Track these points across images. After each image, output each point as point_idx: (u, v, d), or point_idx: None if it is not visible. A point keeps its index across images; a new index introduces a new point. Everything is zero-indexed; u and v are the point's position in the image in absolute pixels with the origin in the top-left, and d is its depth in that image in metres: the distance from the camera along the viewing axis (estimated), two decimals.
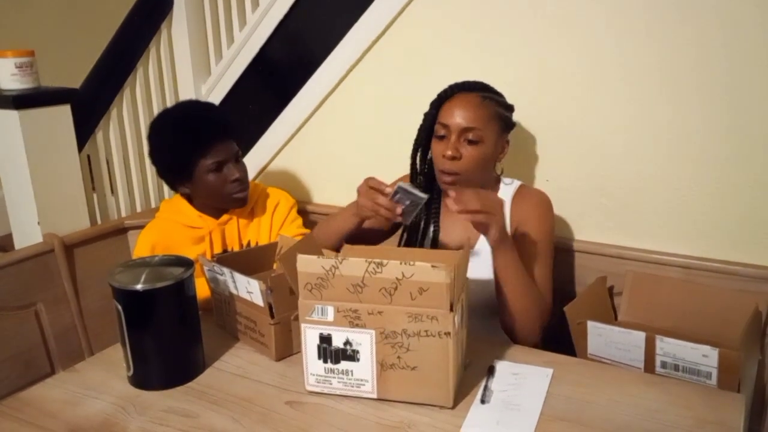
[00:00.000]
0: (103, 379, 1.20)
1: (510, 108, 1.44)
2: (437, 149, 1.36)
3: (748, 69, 1.37)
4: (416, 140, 1.43)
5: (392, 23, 1.75)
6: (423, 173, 1.43)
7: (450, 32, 1.68)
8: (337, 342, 1.08)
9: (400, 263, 1.02)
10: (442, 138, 1.36)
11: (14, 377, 1.61)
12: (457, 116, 1.34)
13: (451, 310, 1.02)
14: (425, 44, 1.72)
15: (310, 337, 1.09)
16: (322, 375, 1.11)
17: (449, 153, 1.32)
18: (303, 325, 1.09)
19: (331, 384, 1.11)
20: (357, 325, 1.06)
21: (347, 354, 1.08)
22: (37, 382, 1.21)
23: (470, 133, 1.33)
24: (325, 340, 1.08)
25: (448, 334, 1.03)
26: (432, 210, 1.45)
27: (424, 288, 1.01)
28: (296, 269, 1.06)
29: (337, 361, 1.09)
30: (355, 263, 1.04)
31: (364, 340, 1.07)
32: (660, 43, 1.44)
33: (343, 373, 1.09)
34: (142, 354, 1.16)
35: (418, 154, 1.43)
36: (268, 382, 1.17)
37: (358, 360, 1.08)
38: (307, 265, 1.06)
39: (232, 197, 1.57)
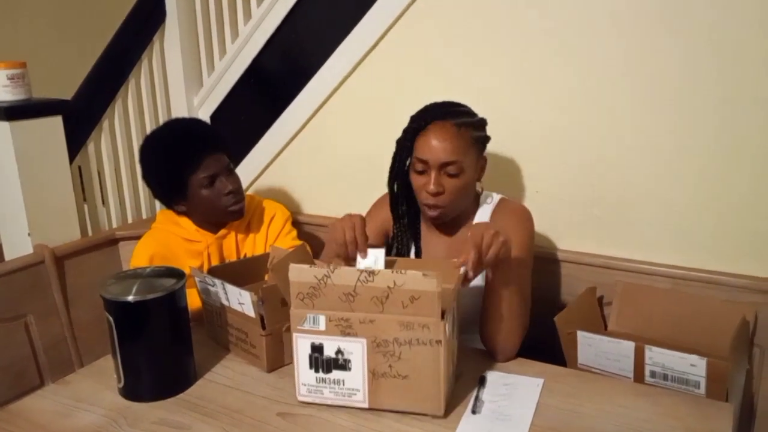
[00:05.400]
0: (93, 390, 1.20)
1: (483, 125, 1.39)
2: (418, 182, 1.33)
3: (739, 85, 1.39)
4: (392, 168, 1.38)
5: (383, 37, 1.76)
6: (404, 196, 1.41)
7: (440, 45, 1.69)
8: (329, 351, 1.08)
9: (392, 272, 1.03)
10: (421, 172, 1.32)
11: (4, 389, 1.59)
12: (436, 151, 1.29)
13: (442, 318, 1.03)
14: (415, 57, 1.73)
15: (301, 347, 1.09)
16: (314, 385, 1.11)
17: (432, 189, 1.29)
18: (295, 335, 1.09)
19: (322, 394, 1.11)
20: (349, 334, 1.06)
21: (339, 363, 1.08)
22: (27, 394, 1.21)
23: (451, 167, 1.29)
24: (317, 349, 1.09)
25: (439, 342, 1.03)
26: (413, 230, 1.44)
27: (416, 296, 1.02)
28: (288, 279, 1.07)
29: (328, 371, 1.09)
30: (347, 272, 1.04)
31: (355, 349, 1.07)
32: (650, 56, 1.46)
33: (334, 383, 1.10)
34: (133, 365, 1.15)
35: (396, 182, 1.40)
36: (259, 393, 1.17)
37: (349, 369, 1.08)
38: (299, 274, 1.06)
39: (227, 210, 1.56)
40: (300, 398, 1.13)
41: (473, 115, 1.38)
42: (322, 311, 1.07)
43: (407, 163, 1.35)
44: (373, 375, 1.08)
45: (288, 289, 1.09)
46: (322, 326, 1.07)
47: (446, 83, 1.71)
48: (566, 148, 1.60)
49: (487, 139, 1.39)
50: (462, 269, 1.12)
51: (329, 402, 1.11)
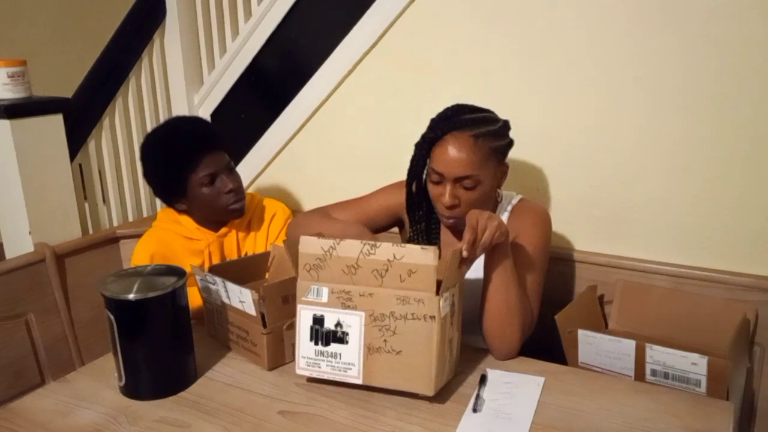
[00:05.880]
0: (94, 389, 1.20)
1: (505, 132, 1.35)
2: (434, 191, 1.32)
3: (736, 83, 1.39)
4: (409, 172, 1.37)
5: (384, 34, 1.76)
6: (422, 200, 1.39)
7: (441, 43, 1.69)
8: (329, 323, 1.11)
9: (392, 245, 1.05)
10: (437, 183, 1.30)
11: (4, 387, 1.60)
12: (451, 165, 1.26)
13: (438, 293, 1.04)
14: (417, 56, 1.73)
15: (304, 318, 1.13)
16: (312, 358, 1.13)
17: (447, 201, 1.28)
18: (299, 306, 1.13)
19: (319, 367, 1.13)
20: (348, 307, 1.09)
21: (337, 336, 1.11)
22: (27, 393, 1.21)
23: (466, 181, 1.27)
24: (318, 321, 1.12)
25: (433, 317, 1.05)
26: (432, 235, 1.43)
27: (413, 270, 1.05)
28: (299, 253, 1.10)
29: (327, 343, 1.12)
30: (351, 244, 1.08)
31: (354, 322, 1.10)
32: (648, 57, 1.46)
33: (331, 356, 1.12)
34: (133, 364, 1.15)
35: (413, 185, 1.38)
36: (260, 391, 1.17)
37: (347, 342, 1.11)
38: (308, 246, 1.10)
39: (228, 209, 1.56)
40: (299, 371, 1.15)
41: (495, 121, 1.33)
42: (325, 283, 1.10)
43: (424, 170, 1.34)
44: (369, 349, 1.10)
45: (297, 263, 1.12)
46: (325, 298, 1.10)
47: (447, 84, 1.71)
48: (566, 148, 1.60)
49: (509, 146, 1.35)
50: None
51: (326, 376, 1.13)
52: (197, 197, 1.55)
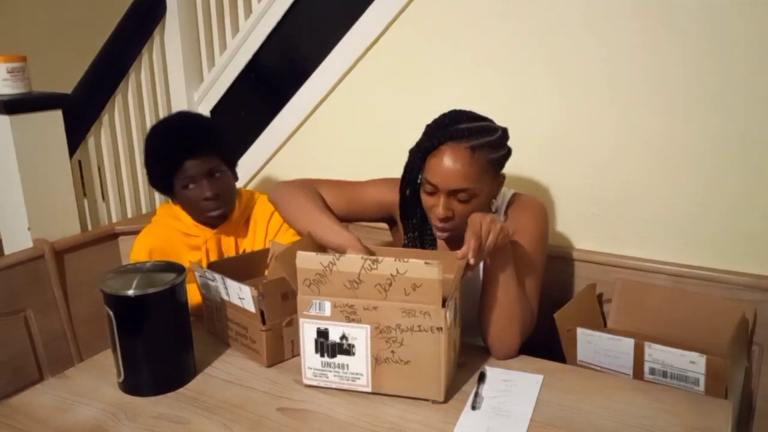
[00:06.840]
0: (93, 385, 1.20)
1: (503, 142, 1.30)
2: (428, 202, 1.28)
3: (734, 80, 1.39)
4: (403, 180, 1.34)
5: (384, 32, 1.76)
6: (417, 207, 1.36)
7: (439, 43, 1.69)
8: (334, 336, 1.11)
9: (395, 260, 1.05)
10: (431, 193, 1.26)
11: (2, 384, 1.59)
12: (445, 177, 1.22)
13: (444, 305, 1.04)
14: (416, 54, 1.73)
15: (307, 332, 1.12)
16: (319, 369, 1.13)
17: (441, 214, 1.24)
18: (301, 320, 1.12)
19: (327, 378, 1.13)
20: (353, 320, 1.09)
21: (343, 348, 1.11)
22: (26, 389, 1.21)
23: (461, 194, 1.23)
24: (322, 334, 1.11)
25: (440, 329, 1.05)
26: (427, 238, 1.41)
27: (417, 284, 1.04)
28: (294, 266, 1.09)
29: (333, 355, 1.12)
30: (351, 260, 1.07)
31: (359, 335, 1.09)
32: (647, 53, 1.46)
33: (339, 367, 1.12)
34: (133, 360, 1.15)
35: (407, 191, 1.35)
36: (259, 388, 1.18)
37: (353, 354, 1.10)
38: (306, 261, 1.09)
39: (207, 215, 1.56)
40: (306, 381, 1.15)
41: (493, 131, 1.27)
42: (327, 298, 1.09)
43: (418, 178, 1.31)
44: (376, 360, 1.10)
45: (293, 277, 1.11)
46: (328, 312, 1.10)
47: (446, 82, 1.71)
48: (566, 147, 1.60)
49: (507, 156, 1.31)
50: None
51: (334, 386, 1.14)
52: (182, 197, 1.56)
